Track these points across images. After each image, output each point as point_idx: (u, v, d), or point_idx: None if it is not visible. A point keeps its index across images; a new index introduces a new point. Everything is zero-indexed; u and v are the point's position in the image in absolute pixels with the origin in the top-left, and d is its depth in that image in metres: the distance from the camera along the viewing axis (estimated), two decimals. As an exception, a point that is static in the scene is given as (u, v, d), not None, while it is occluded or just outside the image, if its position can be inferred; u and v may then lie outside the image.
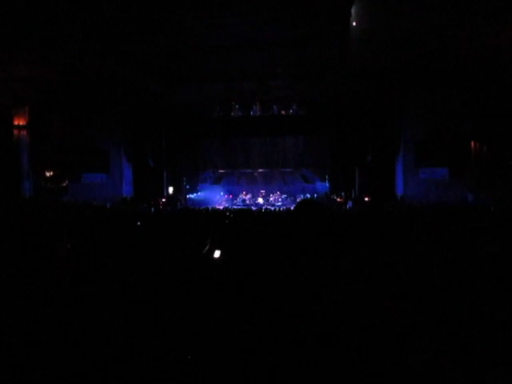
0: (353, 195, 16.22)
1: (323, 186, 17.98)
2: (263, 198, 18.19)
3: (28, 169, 13.92)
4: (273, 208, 15.82)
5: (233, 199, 18.47)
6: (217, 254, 2.37)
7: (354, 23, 8.93)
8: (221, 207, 16.16)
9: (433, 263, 2.21)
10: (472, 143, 13.99)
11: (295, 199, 17.41)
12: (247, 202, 17.97)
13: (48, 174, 14.93)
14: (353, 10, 8.67)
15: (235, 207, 16.44)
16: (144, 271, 1.85)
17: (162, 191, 17.11)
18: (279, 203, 17.72)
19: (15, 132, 13.73)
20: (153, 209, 13.97)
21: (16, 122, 13.73)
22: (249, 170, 19.41)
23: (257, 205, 17.23)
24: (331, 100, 15.56)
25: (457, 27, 8.93)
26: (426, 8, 8.22)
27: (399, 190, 15.48)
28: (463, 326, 1.44)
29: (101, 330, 1.41)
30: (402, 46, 10.17)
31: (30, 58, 10.29)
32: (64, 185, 15.34)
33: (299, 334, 1.33)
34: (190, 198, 17.93)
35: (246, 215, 2.79)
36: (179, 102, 16.06)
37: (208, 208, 14.75)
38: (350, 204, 15.10)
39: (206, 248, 2.40)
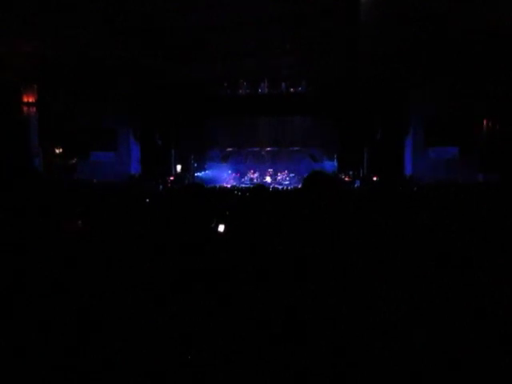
0: (361, 174, 16.14)
1: (331, 164, 17.92)
2: (271, 176, 18.20)
3: (37, 146, 14.00)
4: (280, 187, 15.84)
5: (240, 178, 18.50)
6: (221, 228, 2.41)
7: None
8: (228, 185, 16.23)
9: (439, 241, 2.21)
10: (484, 121, 13.75)
11: (303, 178, 17.24)
12: (255, 180, 18.00)
13: (57, 151, 15.02)
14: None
15: (243, 186, 16.49)
16: (153, 246, 1.84)
17: (170, 169, 17.17)
18: (287, 182, 17.77)
19: (24, 109, 13.75)
20: (161, 186, 14.08)
21: (25, 99, 13.74)
22: (256, 149, 19.37)
23: (264, 183, 17.08)
24: (341, 78, 15.28)
25: (470, 3, 8.64)
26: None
27: (408, 170, 15.37)
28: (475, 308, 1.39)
29: (106, 307, 1.40)
30: (414, 22, 9.89)
31: (35, 33, 10.22)
32: (73, 162, 15.46)
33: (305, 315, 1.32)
34: (197, 177, 18.02)
35: (259, 192, 2.80)
36: (186, 81, 15.85)
37: (215, 186, 14.86)
38: (357, 183, 15.06)
39: (215, 224, 2.44)
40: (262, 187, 2.66)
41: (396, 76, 14.34)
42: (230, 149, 19.51)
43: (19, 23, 9.42)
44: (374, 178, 15.20)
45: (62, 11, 8.89)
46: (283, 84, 16.45)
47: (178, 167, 17.57)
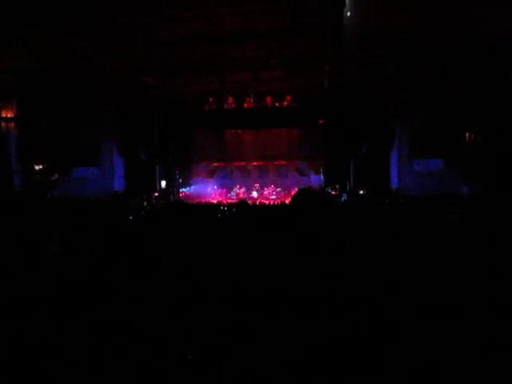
0: (347, 188, 16.21)
1: (318, 178, 18.00)
2: (257, 191, 18.21)
3: (17, 162, 13.74)
4: (267, 202, 15.84)
5: (226, 193, 18.46)
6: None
7: (349, 13, 8.88)
8: (214, 201, 16.16)
9: (426, 254, 2.22)
10: (467, 134, 14.03)
11: (290, 193, 17.42)
12: (241, 195, 17.94)
13: (37, 168, 14.75)
14: (347, 0, 8.61)
15: (229, 201, 16.48)
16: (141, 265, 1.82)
17: (155, 185, 17.02)
18: (274, 196, 17.76)
19: (3, 124, 13.53)
20: (145, 203, 13.93)
21: (4, 115, 13.54)
22: (242, 163, 19.42)
23: (251, 198, 17.21)
24: (325, 91, 15.54)
25: (454, 15, 8.91)
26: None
27: (394, 183, 15.48)
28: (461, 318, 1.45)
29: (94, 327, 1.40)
30: (397, 36, 10.14)
31: (15, 47, 10.14)
32: (54, 179, 15.18)
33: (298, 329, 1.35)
34: (182, 192, 17.93)
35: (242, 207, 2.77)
36: (172, 95, 16.01)
37: (201, 202, 14.78)
38: (344, 196, 15.09)
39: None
40: (244, 204, 2.63)
41: (381, 88, 14.61)
42: (215, 164, 19.49)
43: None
44: (361, 192, 15.24)
45: (44, 24, 8.86)
46: (268, 98, 16.63)
47: (163, 183, 17.41)
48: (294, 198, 1.88)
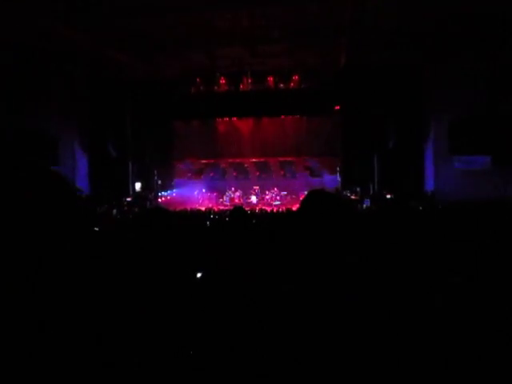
0: (371, 191, 16.24)
1: (333, 179, 18.03)
2: (257, 195, 18.21)
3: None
4: (269, 209, 15.79)
5: (218, 198, 18.45)
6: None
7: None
8: (202, 208, 16.11)
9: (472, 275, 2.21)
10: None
11: (298, 197, 17.38)
12: (236, 200, 17.93)
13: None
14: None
15: (221, 208, 16.45)
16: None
17: (127, 188, 17.08)
18: (277, 202, 17.75)
19: None
20: (115, 210, 13.91)
21: None
22: (238, 160, 19.44)
23: (249, 204, 17.17)
24: (342, 70, 15.55)
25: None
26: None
27: (429, 184, 15.54)
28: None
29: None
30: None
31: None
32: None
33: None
34: (162, 197, 17.94)
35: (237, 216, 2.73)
36: (149, 76, 15.97)
37: (186, 210, 14.71)
38: (366, 202, 15.14)
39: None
40: (240, 212, 2.62)
41: (413, 66, 14.52)
42: (204, 161, 19.52)
43: None
44: (388, 196, 15.30)
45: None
46: (271, 79, 16.64)
47: (138, 185, 17.46)
48: (303, 204, 1.88)
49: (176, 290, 1.87)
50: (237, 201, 17.93)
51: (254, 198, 18.07)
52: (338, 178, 17.78)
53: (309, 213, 1.82)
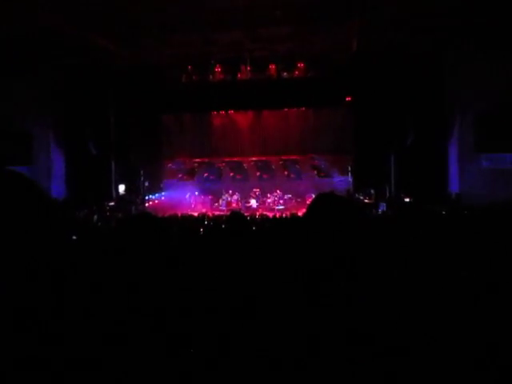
0: (387, 194, 16.24)
1: (343, 180, 18.13)
2: (257, 199, 18.22)
3: None
4: (271, 214, 15.75)
5: (213, 201, 18.45)
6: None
7: None
8: (195, 213, 16.05)
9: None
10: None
11: (304, 201, 17.42)
12: (234, 205, 17.92)
13: None
14: None
15: (217, 213, 16.39)
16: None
17: (110, 191, 17.10)
18: (281, 206, 17.78)
19: None
20: (95, 216, 13.86)
21: None
22: (236, 159, 19.51)
23: (248, 209, 17.19)
24: (353, 56, 15.49)
25: None
26: None
27: (453, 186, 15.55)
28: None
29: None
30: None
31: None
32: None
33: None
34: (149, 201, 17.96)
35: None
36: (134, 63, 15.92)
37: (176, 215, 14.63)
38: (382, 207, 15.10)
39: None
40: (238, 218, 2.63)
41: (435, 53, 14.49)
42: (197, 160, 19.59)
43: None
44: (406, 199, 15.27)
45: None
46: (272, 66, 16.59)
47: (122, 187, 17.49)
48: (310, 208, 1.92)
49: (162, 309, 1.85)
50: (234, 205, 17.93)
51: (253, 202, 18.10)
52: (350, 179, 17.86)
53: (316, 219, 1.87)
